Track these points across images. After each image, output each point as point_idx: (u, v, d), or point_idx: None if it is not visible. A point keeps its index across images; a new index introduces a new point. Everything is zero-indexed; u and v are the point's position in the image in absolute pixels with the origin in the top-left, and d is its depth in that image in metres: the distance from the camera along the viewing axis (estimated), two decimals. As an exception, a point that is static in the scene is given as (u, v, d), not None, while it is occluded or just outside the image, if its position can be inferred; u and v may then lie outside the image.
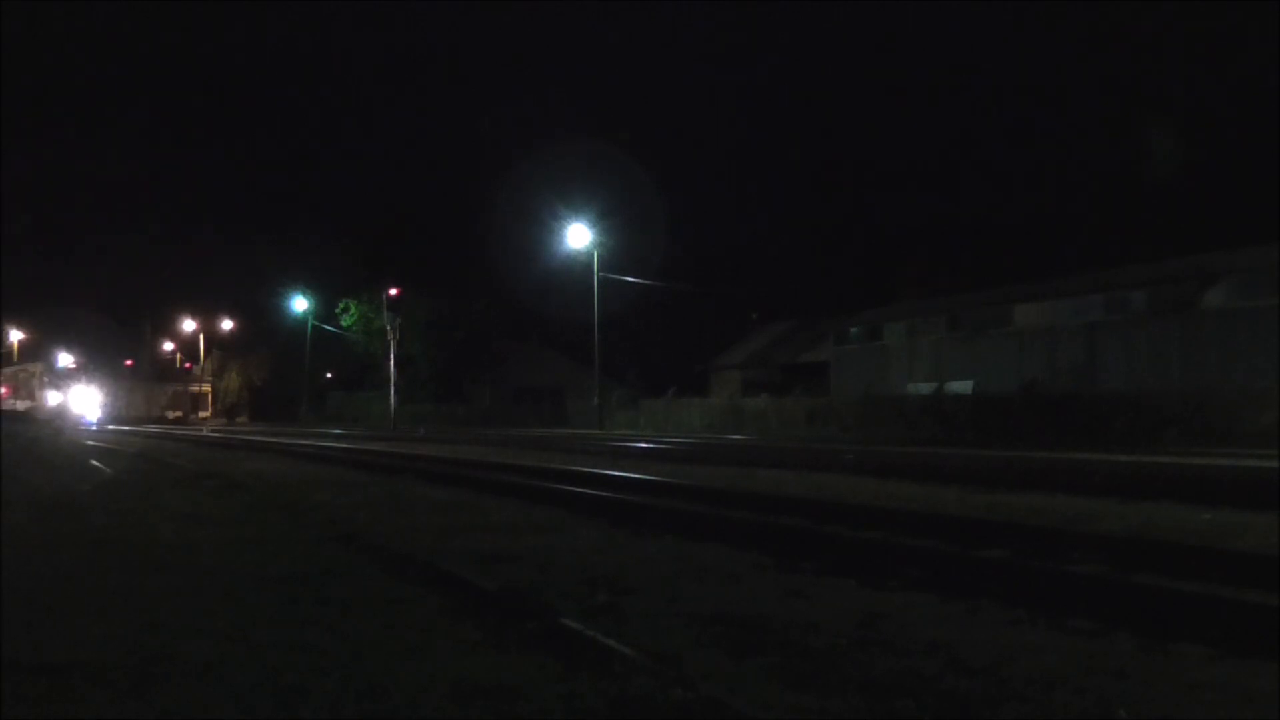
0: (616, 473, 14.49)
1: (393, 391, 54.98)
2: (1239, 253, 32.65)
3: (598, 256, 43.62)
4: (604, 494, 11.41)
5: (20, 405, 75.42)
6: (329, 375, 79.22)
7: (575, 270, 45.49)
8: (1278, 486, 9.94)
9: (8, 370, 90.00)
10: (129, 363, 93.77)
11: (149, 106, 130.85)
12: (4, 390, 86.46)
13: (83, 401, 77.79)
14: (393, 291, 55.80)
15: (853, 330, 46.80)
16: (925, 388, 38.13)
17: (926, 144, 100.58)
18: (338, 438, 37.58)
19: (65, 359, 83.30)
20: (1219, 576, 5.99)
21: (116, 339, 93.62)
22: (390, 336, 54.95)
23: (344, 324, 67.36)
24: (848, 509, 9.61)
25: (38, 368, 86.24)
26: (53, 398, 75.94)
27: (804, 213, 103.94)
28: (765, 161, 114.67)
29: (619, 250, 46.27)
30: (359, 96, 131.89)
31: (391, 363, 55.05)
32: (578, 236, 44.01)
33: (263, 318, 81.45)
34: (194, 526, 9.70)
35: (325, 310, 69.13)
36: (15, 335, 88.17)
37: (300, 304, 71.40)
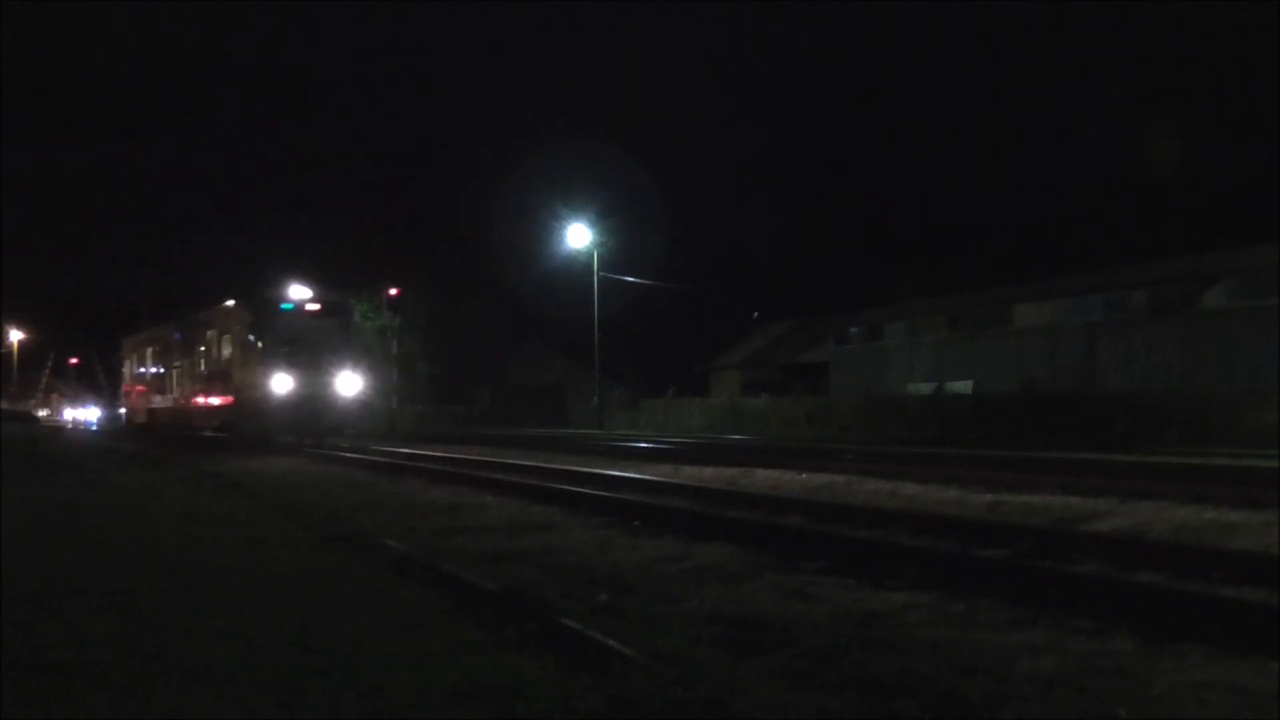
0: (616, 472, 14.48)
1: (392, 391, 54.94)
2: (1239, 253, 32.65)
3: (598, 256, 43.63)
4: (604, 494, 11.41)
5: (210, 403, 29.80)
6: (329, 375, 78.91)
7: (575, 270, 45.51)
8: (1278, 486, 9.94)
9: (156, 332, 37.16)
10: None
11: (144, 102, 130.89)
12: (127, 377, 40.37)
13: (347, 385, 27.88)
14: (393, 291, 55.73)
15: (853, 330, 46.80)
16: (925, 388, 38.12)
17: (927, 144, 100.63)
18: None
19: (299, 291, 28.20)
20: (1219, 576, 5.99)
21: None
22: (390, 336, 54.85)
23: (344, 324, 67.18)
24: (848, 509, 9.60)
25: (235, 318, 28.12)
26: (280, 382, 26.22)
27: (804, 213, 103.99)
28: (766, 161, 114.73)
29: (619, 250, 46.32)
30: (358, 96, 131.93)
31: (391, 363, 55.01)
32: (578, 236, 44.01)
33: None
34: (195, 526, 9.70)
35: (325, 310, 68.89)
36: (15, 335, 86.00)
37: (300, 304, 71.03)
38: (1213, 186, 58.16)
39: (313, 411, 25.37)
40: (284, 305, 26.41)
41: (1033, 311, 37.26)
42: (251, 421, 25.71)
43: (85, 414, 78.93)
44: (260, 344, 25.74)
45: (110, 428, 55.46)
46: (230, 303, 28.39)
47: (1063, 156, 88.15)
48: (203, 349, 29.88)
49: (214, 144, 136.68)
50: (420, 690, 4.11)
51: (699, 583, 6.42)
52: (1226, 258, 32.70)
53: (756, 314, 64.90)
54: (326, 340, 26.34)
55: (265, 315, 26.12)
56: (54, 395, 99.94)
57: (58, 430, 52.77)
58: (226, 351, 27.81)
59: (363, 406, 27.10)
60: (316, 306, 26.75)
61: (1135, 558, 6.68)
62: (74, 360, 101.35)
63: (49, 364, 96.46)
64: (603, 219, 45.07)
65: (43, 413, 77.97)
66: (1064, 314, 35.95)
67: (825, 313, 53.48)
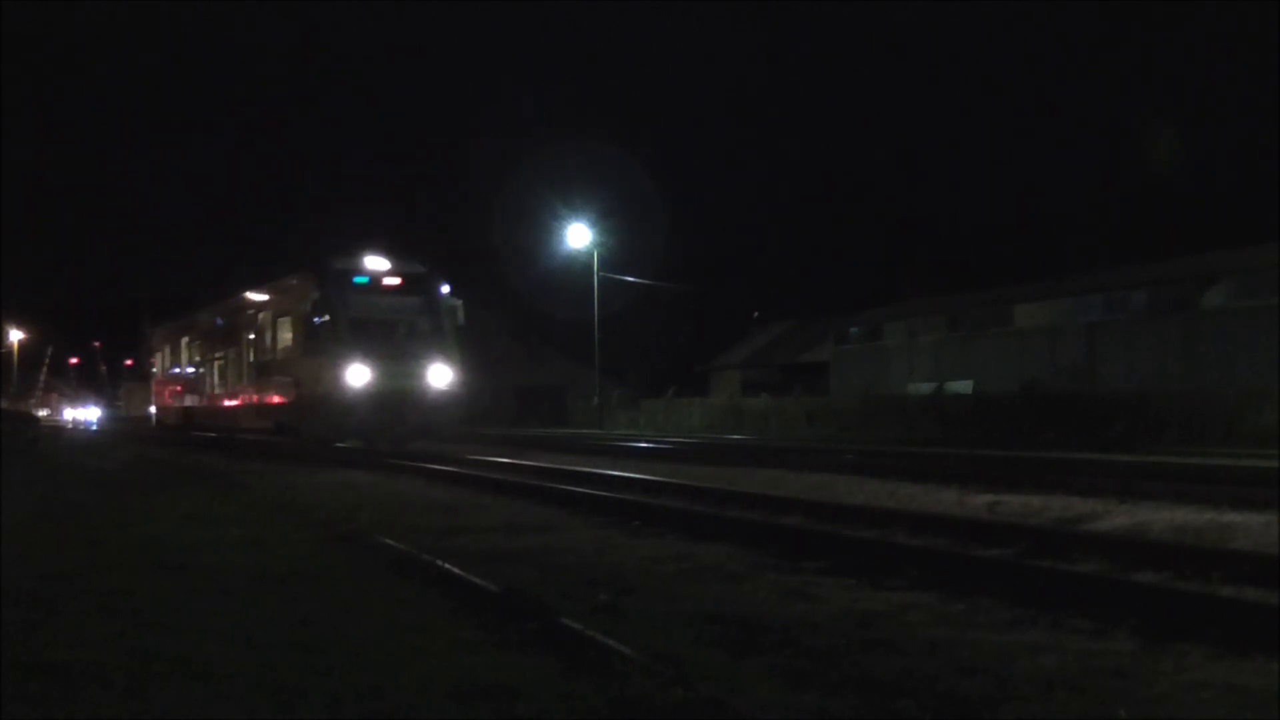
0: (616, 472, 14.48)
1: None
2: (1239, 253, 32.64)
3: (598, 256, 43.63)
4: (604, 494, 11.40)
5: (264, 400, 24.34)
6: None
7: (575, 270, 45.51)
8: (1278, 486, 9.94)
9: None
10: (129, 362, 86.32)
11: (139, 103, 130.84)
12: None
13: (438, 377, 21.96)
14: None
15: (853, 330, 46.80)
16: (925, 388, 38.11)
17: (927, 143, 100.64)
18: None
19: (376, 262, 22.02)
20: (1219, 576, 5.99)
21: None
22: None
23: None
24: (848, 509, 9.60)
25: (296, 296, 22.63)
26: (356, 374, 20.25)
27: (804, 212, 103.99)
28: (766, 161, 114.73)
29: (619, 250, 46.37)
30: (358, 95, 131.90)
31: None
32: (578, 236, 44.01)
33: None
34: (195, 526, 9.70)
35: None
36: (15, 335, 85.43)
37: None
38: (1213, 186, 58.17)
39: (395, 410, 20.54)
40: (358, 279, 21.30)
41: (1033, 311, 37.25)
42: (317, 423, 21.28)
43: (85, 413, 78.81)
44: (330, 326, 20.80)
45: (115, 428, 55.31)
46: (289, 278, 23.25)
47: (1063, 156, 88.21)
48: (252, 336, 25.10)
49: (212, 145, 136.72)
50: (420, 690, 4.11)
51: (699, 583, 6.42)
52: (1226, 258, 32.70)
53: (756, 314, 64.95)
54: (410, 322, 21.72)
55: (335, 291, 20.93)
56: (54, 395, 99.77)
57: (58, 430, 52.74)
58: (285, 338, 23.03)
59: (456, 404, 21.82)
60: (397, 281, 21.65)
61: (1135, 558, 6.68)
62: (74, 360, 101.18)
63: (46, 361, 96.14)
64: (603, 219, 45.13)
65: (42, 412, 77.82)
66: (1064, 314, 35.95)
67: (825, 313, 53.46)
